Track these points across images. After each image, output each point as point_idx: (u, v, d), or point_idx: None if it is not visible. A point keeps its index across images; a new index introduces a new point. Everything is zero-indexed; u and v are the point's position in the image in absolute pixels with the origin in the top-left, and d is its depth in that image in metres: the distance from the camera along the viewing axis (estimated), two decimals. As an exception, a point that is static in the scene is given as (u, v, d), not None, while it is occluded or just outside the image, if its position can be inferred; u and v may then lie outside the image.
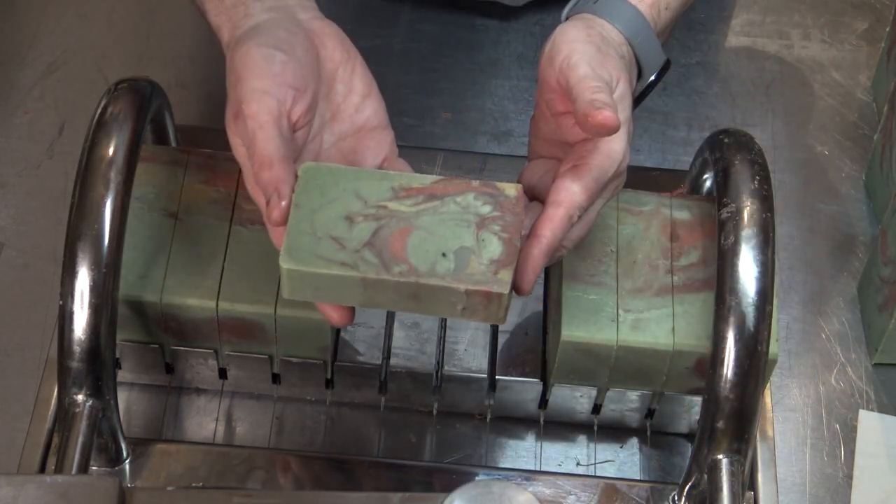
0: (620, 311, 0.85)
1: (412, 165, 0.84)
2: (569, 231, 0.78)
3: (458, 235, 0.76)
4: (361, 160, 0.83)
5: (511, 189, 0.78)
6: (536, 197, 0.82)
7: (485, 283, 0.75)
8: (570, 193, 0.78)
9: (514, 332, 0.90)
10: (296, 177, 0.76)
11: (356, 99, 0.83)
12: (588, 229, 0.82)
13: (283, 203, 0.75)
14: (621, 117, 0.77)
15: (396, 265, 0.75)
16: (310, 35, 0.82)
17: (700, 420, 0.80)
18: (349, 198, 0.77)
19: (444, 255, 0.75)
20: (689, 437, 0.91)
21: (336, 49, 0.82)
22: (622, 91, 0.80)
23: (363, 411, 0.92)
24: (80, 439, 0.79)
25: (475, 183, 0.78)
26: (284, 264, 0.75)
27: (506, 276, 0.75)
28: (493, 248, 0.76)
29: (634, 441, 0.92)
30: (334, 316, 0.78)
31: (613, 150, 0.79)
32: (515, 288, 0.76)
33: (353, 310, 0.78)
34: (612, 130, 0.75)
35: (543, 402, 0.90)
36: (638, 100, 0.87)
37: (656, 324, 0.85)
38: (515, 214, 0.77)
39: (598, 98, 0.76)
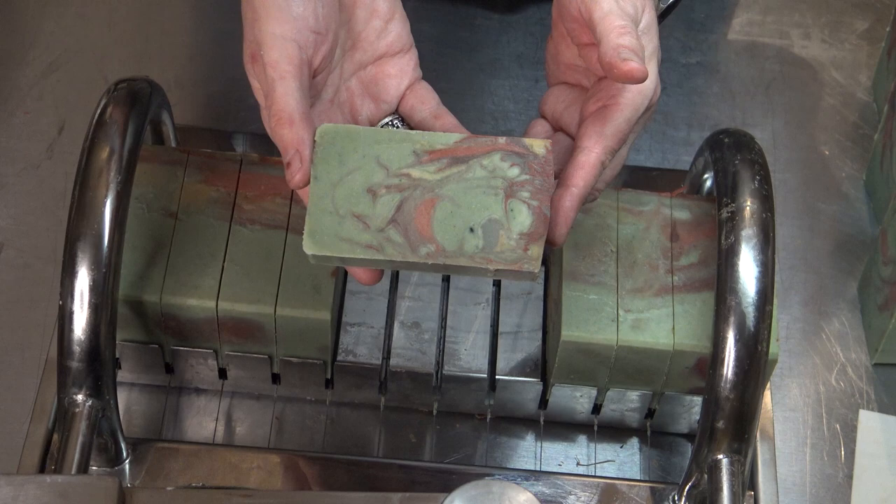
0: (620, 311, 0.85)
1: None
2: (601, 174, 0.75)
3: (485, 206, 0.74)
4: (384, 91, 0.80)
5: (539, 146, 0.75)
6: (562, 128, 0.78)
7: (515, 262, 0.73)
8: (601, 137, 0.74)
9: (514, 332, 0.90)
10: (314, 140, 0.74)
11: (378, 24, 0.79)
12: (620, 167, 0.78)
13: (306, 166, 0.73)
14: (649, 48, 0.73)
15: (423, 245, 0.73)
16: None
17: (700, 420, 0.80)
18: (370, 166, 0.75)
19: (471, 230, 0.73)
20: (689, 437, 0.91)
21: None
22: (648, 20, 0.76)
23: (363, 411, 0.92)
24: (80, 439, 0.79)
25: (501, 140, 0.75)
26: (308, 250, 0.73)
27: (536, 251, 0.73)
28: (523, 218, 0.73)
29: (635, 441, 0.92)
30: (363, 277, 0.76)
31: (645, 86, 0.75)
32: (549, 241, 0.74)
33: (381, 271, 0.77)
34: (639, 81, 0.71)
35: (543, 402, 0.90)
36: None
37: (656, 324, 0.85)
38: (545, 176, 0.74)
39: (623, 44, 0.71)
